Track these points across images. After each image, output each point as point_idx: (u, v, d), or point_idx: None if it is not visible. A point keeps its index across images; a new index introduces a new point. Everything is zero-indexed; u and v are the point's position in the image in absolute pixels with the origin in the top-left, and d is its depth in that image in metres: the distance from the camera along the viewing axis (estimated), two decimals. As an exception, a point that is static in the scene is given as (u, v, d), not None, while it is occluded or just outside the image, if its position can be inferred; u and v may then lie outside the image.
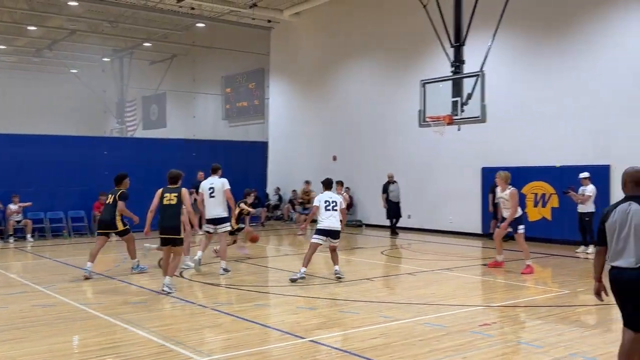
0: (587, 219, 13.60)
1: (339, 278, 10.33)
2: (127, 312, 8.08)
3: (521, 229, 11.18)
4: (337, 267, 10.49)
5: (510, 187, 11.17)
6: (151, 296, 9.20)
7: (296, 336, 6.83)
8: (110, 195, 11.22)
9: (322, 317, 7.87)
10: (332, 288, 9.83)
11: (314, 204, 10.82)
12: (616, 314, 8.18)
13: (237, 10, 21.99)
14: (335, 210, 10.51)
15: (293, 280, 10.12)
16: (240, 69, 26.60)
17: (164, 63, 30.13)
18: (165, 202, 9.63)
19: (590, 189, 13.53)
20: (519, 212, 11.26)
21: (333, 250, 10.61)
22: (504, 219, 11.29)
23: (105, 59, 30.46)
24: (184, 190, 9.72)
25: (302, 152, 23.41)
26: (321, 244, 10.51)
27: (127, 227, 11.25)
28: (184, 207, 9.75)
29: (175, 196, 9.60)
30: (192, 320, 7.79)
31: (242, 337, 6.87)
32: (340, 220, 10.57)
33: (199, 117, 28.98)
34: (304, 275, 10.20)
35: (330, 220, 10.43)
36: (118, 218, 11.04)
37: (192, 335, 6.93)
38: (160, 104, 31.74)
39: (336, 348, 6.37)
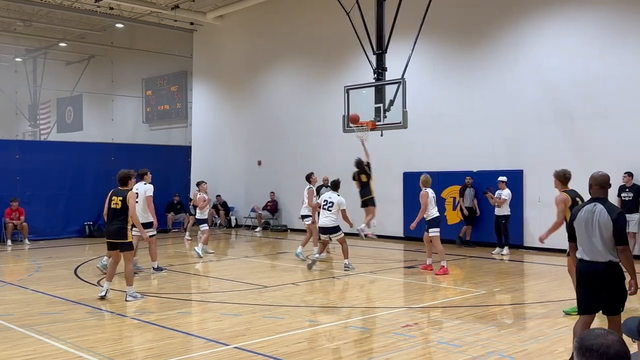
0: (503, 221, 14.22)
1: (347, 269, 11.91)
2: (42, 323, 7.72)
3: (435, 231, 11.60)
4: (346, 261, 12.14)
5: (425, 189, 11.64)
6: (66, 306, 8.83)
7: (220, 343, 6.74)
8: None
9: (247, 323, 7.80)
10: (257, 294, 9.77)
11: (315, 202, 13.06)
12: (529, 312, 8.58)
13: (158, 11, 21.51)
14: (330, 210, 12.02)
15: (310, 267, 11.99)
16: (162, 71, 26.04)
17: (81, 64, 29.08)
18: (112, 205, 9.21)
19: (506, 193, 14.14)
20: (435, 214, 11.67)
21: (341, 244, 12.29)
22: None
23: (18, 59, 29.10)
24: (130, 194, 9.22)
25: (227, 156, 23.18)
26: (325, 238, 12.28)
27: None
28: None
29: (120, 200, 9.15)
30: (110, 330, 7.54)
31: (163, 346, 6.71)
32: (346, 217, 12.34)
33: (117, 120, 28.11)
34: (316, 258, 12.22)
35: (323, 219, 12.07)
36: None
37: (111, 346, 6.71)
38: (76, 106, 30.56)
39: (261, 354, 6.34)
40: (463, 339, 6.97)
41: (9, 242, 17.18)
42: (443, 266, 11.46)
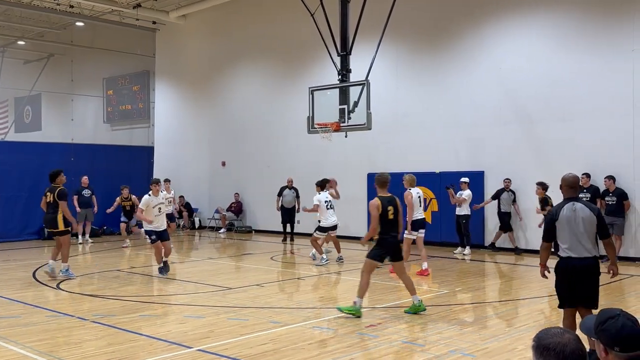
0: (464, 221, 14.45)
1: (341, 260, 13.18)
2: (0, 327, 7.54)
3: (421, 232, 11.60)
4: (340, 255, 13.29)
5: (409, 189, 11.59)
6: (25, 310, 8.63)
7: (183, 346, 6.68)
8: (49, 194, 11.32)
9: (210, 325, 7.75)
10: (221, 296, 9.71)
11: (314, 203, 13.12)
12: (490, 311, 8.73)
13: (119, 10, 21.17)
14: (333, 208, 13.13)
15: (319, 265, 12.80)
16: (123, 70, 25.64)
17: (40, 62, 28.40)
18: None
19: (466, 194, 14.36)
20: (419, 215, 11.60)
21: (335, 239, 13.35)
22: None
23: (-26, 57, 28.28)
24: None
25: (190, 157, 22.97)
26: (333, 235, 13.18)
27: (68, 228, 11.37)
28: None
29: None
30: (71, 333, 7.39)
31: (126, 349, 6.62)
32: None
33: (77, 120, 27.51)
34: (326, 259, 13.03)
35: (332, 218, 13.03)
36: (60, 217, 11.14)
37: (72, 350, 6.58)
38: (35, 105, 29.83)
39: (225, 356, 6.30)
40: (426, 338, 7.06)
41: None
42: (425, 268, 11.48)
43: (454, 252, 14.62)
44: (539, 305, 8.84)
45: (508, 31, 15.18)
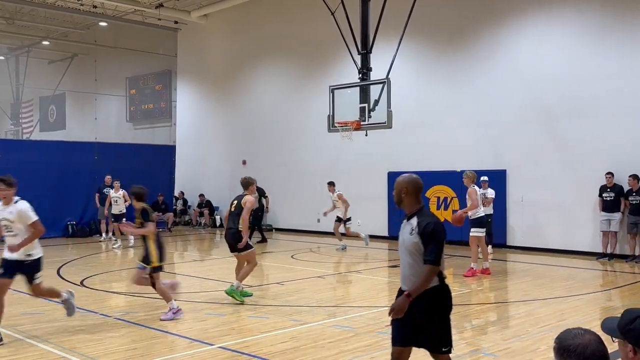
0: (489, 220, 14.34)
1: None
2: (23, 324, 7.65)
3: (478, 231, 11.26)
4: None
5: (473, 185, 11.29)
6: (49, 307, 8.75)
7: (204, 343, 6.73)
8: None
9: (231, 323, 7.79)
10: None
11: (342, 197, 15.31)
12: (512, 311, 8.65)
13: (142, 10, 21.38)
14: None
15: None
16: (146, 70, 25.87)
17: (64, 62, 28.79)
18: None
19: (491, 192, 14.27)
20: (480, 213, 11.33)
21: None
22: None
23: (0, 57, 28.75)
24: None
25: (211, 156, 23.10)
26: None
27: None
28: None
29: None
30: (93, 330, 7.48)
31: (148, 346, 6.68)
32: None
33: (101, 119, 27.83)
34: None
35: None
36: None
37: (95, 346, 6.66)
38: (59, 105, 30.25)
39: (245, 354, 6.33)
40: (447, 338, 7.00)
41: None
42: (472, 268, 11.21)
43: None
44: (561, 306, 8.74)
45: (529, 29, 15.02)
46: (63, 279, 11.27)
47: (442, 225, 4.35)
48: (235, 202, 9.21)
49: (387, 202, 17.41)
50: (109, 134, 25.25)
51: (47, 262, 12.80)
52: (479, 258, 11.50)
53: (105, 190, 18.35)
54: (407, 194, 4.40)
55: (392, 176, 17.23)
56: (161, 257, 7.99)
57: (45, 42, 27.08)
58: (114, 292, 9.94)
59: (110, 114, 27.80)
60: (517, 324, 7.85)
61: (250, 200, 9.07)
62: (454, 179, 15.98)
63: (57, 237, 18.82)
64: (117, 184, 16.93)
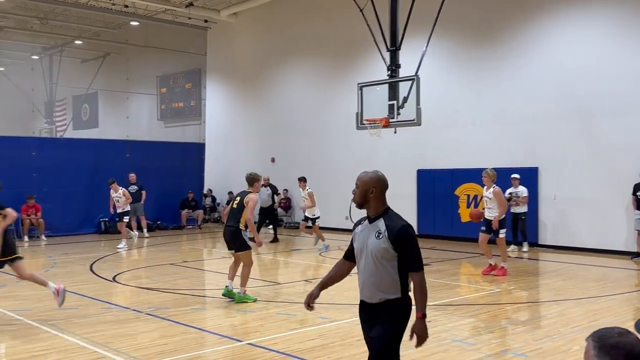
0: (523, 217, 14.24)
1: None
2: (58, 319, 7.80)
3: (502, 232, 11.00)
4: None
5: (495, 186, 10.98)
6: (82, 302, 8.92)
7: (233, 339, 6.78)
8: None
9: (260, 319, 7.83)
10: (270, 291, 9.80)
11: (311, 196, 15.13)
12: (544, 310, 8.53)
13: (172, 9, 21.61)
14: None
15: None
16: (176, 68, 26.16)
17: (96, 61, 29.25)
18: None
19: (523, 190, 14.13)
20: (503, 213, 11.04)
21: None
22: (486, 220, 11.02)
23: (34, 57, 29.34)
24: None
25: (240, 153, 23.24)
26: None
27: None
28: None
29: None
30: (125, 325, 7.59)
31: (178, 341, 6.76)
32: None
33: (132, 118, 28.26)
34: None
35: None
36: None
37: (127, 341, 6.77)
38: (92, 103, 30.77)
39: (274, 350, 6.36)
40: (476, 337, 6.95)
41: (26, 238, 17.38)
42: (503, 267, 11.00)
43: (509, 249, 14.34)
44: (594, 306, 8.58)
45: (562, 23, 14.75)
46: (96, 274, 11.46)
47: (412, 227, 3.99)
48: (238, 198, 8.92)
49: (416, 200, 17.31)
50: (141, 132, 25.61)
51: (80, 258, 13.12)
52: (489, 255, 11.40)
53: (130, 187, 18.63)
54: (375, 194, 3.93)
55: (422, 174, 17.14)
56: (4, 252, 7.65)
57: (78, 42, 27.54)
58: (145, 288, 10.08)
59: (142, 112, 28.18)
60: (548, 324, 7.73)
61: (253, 198, 8.74)
62: (484, 177, 15.82)
63: (90, 233, 19.15)
64: (114, 185, 16.25)
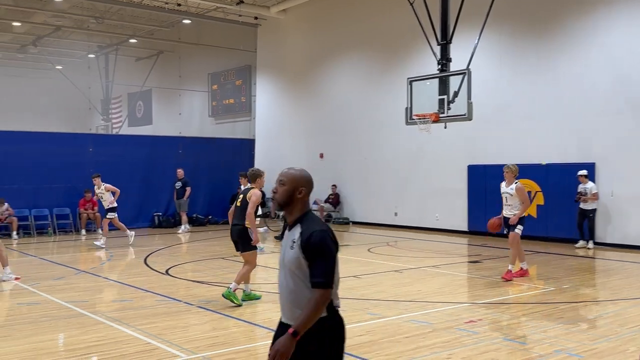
0: (591, 215, 13.93)
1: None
2: (112, 310, 8.04)
3: (520, 229, 10.32)
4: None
5: (517, 181, 10.44)
6: (136, 294, 9.15)
7: (283, 334, 6.82)
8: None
9: (309, 314, 7.85)
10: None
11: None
12: (600, 310, 8.27)
13: (223, 7, 21.90)
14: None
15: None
16: (227, 65, 26.50)
17: (150, 59, 29.93)
18: None
19: (592, 185, 13.87)
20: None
21: None
22: (505, 219, 10.37)
23: (91, 56, 30.22)
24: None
25: (289, 149, 23.37)
26: None
27: None
28: None
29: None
30: (177, 318, 7.75)
31: (228, 334, 6.86)
32: None
33: (185, 114, 28.83)
34: None
35: None
36: None
37: (178, 333, 6.91)
38: (146, 100, 31.55)
39: (323, 345, 6.37)
40: (529, 337, 6.80)
41: (83, 231, 17.98)
42: (522, 268, 10.48)
43: (576, 246, 14.06)
44: (654, 306, 8.28)
45: (620, 13, 14.23)
46: (150, 267, 11.74)
47: (332, 234, 3.25)
48: (241, 196, 8.64)
49: (467, 196, 17.06)
50: (193, 129, 26.09)
51: (135, 252, 13.40)
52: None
53: (176, 184, 18.98)
54: (303, 195, 3.35)
55: (472, 170, 16.86)
56: None
57: (133, 40, 28.20)
58: (196, 282, 10.27)
59: (194, 109, 28.70)
60: (604, 324, 7.50)
61: (256, 194, 8.47)
62: (538, 173, 15.46)
63: (144, 227, 19.63)
64: (97, 179, 15.31)
